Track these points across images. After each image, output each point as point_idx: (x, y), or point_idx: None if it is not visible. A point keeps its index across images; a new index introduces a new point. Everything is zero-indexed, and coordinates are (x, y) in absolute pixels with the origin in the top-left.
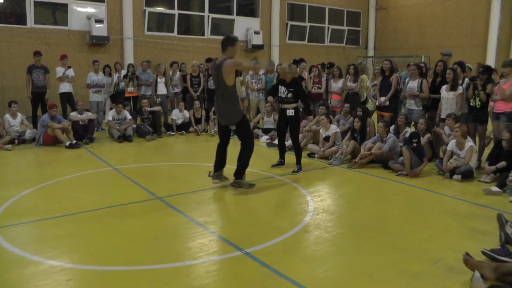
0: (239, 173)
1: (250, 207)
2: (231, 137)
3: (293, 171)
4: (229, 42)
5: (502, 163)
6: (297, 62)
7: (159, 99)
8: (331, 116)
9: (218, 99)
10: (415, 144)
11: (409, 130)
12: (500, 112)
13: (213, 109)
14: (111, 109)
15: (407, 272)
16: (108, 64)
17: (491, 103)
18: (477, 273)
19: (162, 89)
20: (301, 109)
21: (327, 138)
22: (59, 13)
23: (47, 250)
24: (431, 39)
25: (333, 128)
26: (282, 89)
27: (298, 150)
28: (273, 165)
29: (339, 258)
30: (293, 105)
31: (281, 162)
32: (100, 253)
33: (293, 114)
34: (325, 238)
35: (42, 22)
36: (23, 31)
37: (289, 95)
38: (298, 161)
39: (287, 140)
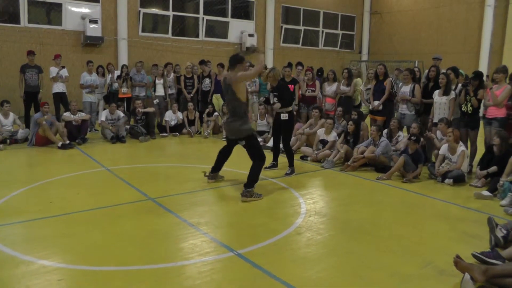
0: (248, 183)
1: (243, 209)
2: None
3: (286, 174)
4: (238, 60)
5: (493, 168)
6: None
7: (157, 99)
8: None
9: (228, 114)
10: (413, 138)
11: (402, 134)
12: (492, 117)
13: (207, 110)
14: (104, 109)
15: (397, 275)
16: (101, 64)
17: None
18: (467, 275)
19: (160, 90)
20: (294, 113)
21: (323, 141)
22: (53, 13)
23: (39, 250)
24: (425, 45)
25: (333, 136)
26: (271, 95)
27: (289, 153)
28: (266, 168)
29: (331, 260)
30: (284, 109)
31: (274, 165)
32: (92, 253)
33: (287, 118)
34: (317, 240)
35: (36, 22)
36: (17, 30)
37: (275, 99)
38: (291, 164)
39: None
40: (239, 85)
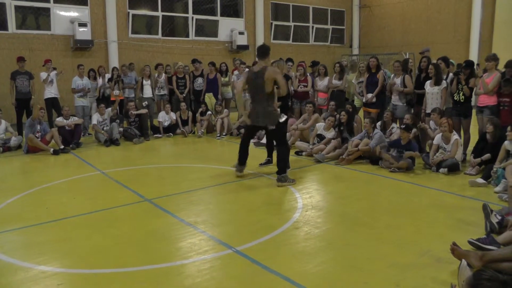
0: (281, 170)
1: (239, 206)
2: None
3: None
4: (268, 50)
5: (487, 156)
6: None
7: (146, 102)
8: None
9: (256, 104)
10: (403, 126)
11: (396, 126)
12: (483, 105)
13: (200, 110)
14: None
15: (396, 265)
16: (92, 68)
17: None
18: (464, 262)
19: (148, 92)
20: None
21: (320, 136)
22: (41, 18)
23: (37, 256)
24: (415, 36)
25: (332, 134)
26: None
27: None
28: (261, 164)
29: (329, 253)
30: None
31: (268, 161)
32: (90, 256)
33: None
34: (315, 234)
35: (25, 27)
36: (5, 36)
37: None
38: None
39: None
40: (272, 81)
